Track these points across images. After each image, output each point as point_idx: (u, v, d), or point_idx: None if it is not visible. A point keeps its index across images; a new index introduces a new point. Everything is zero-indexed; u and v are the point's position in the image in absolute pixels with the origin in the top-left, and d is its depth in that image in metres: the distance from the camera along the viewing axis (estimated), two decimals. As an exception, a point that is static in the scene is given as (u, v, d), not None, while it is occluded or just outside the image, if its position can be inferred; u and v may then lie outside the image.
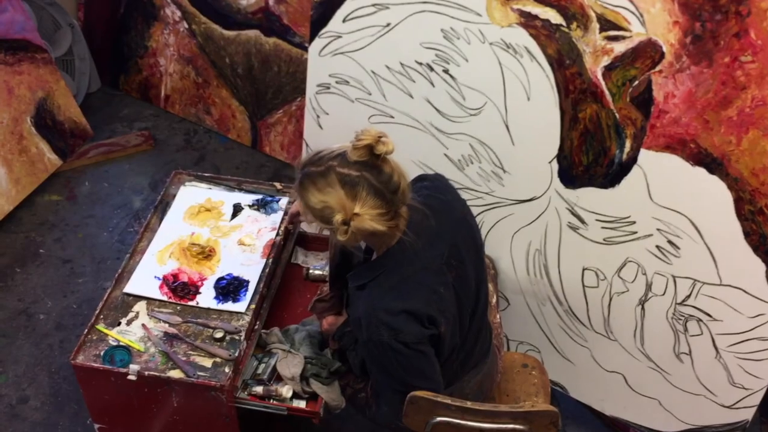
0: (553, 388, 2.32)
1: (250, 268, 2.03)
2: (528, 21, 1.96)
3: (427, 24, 2.10)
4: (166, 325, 1.89)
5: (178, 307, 1.94)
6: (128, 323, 1.89)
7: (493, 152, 2.16)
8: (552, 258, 2.18)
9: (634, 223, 2.00)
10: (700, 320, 2.00)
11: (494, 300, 2.17)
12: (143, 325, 1.89)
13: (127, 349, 1.83)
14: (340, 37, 2.28)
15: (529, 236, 2.20)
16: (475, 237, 1.72)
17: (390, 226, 1.53)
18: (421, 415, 1.62)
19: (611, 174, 1.98)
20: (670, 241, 1.96)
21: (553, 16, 1.92)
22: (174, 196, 2.24)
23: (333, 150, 1.54)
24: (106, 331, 1.87)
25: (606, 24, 1.85)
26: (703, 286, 1.96)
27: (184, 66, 3.41)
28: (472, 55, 2.07)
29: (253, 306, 1.93)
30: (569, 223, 2.11)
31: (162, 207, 2.21)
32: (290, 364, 1.91)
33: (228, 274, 2.01)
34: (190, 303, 1.94)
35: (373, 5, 2.17)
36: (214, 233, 2.13)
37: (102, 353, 1.82)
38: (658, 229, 1.97)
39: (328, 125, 2.45)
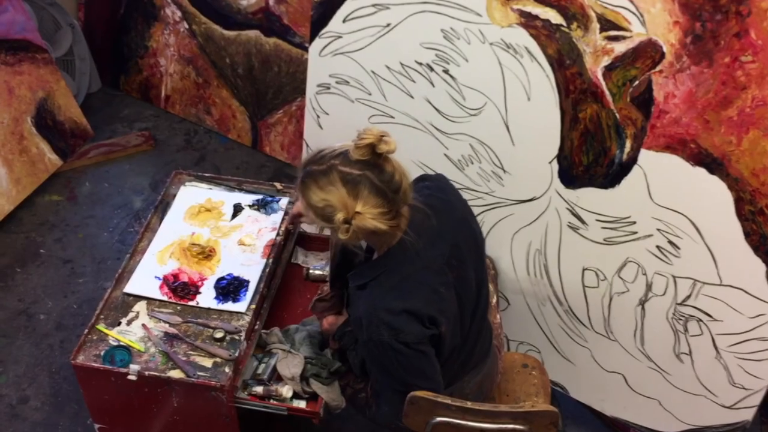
0: (553, 388, 2.32)
1: (251, 268, 2.03)
2: (528, 21, 1.96)
3: (427, 24, 2.10)
4: (167, 325, 1.89)
5: (179, 307, 1.94)
6: (128, 323, 1.89)
7: (493, 152, 2.16)
8: (552, 258, 2.18)
9: (634, 223, 2.00)
10: (701, 320, 2.00)
11: (494, 300, 2.17)
12: (143, 325, 1.89)
13: (127, 349, 1.83)
14: (340, 37, 2.28)
15: (529, 236, 2.20)
16: (476, 237, 1.72)
17: (391, 225, 1.53)
18: (422, 415, 1.62)
19: (611, 174, 1.98)
20: (670, 242, 1.96)
21: (554, 16, 1.92)
22: (174, 196, 2.24)
23: (335, 149, 1.55)
24: (106, 331, 1.87)
25: (606, 24, 1.85)
26: (703, 287, 1.96)
27: (184, 66, 3.41)
28: (473, 55, 2.07)
29: (253, 306, 1.93)
30: (569, 223, 2.11)
31: (162, 207, 2.21)
32: (290, 364, 1.91)
33: (228, 274, 2.01)
34: (191, 303, 1.94)
35: (373, 5, 2.17)
36: (214, 233, 2.14)
37: (102, 353, 1.82)
38: (658, 230, 1.97)
39: (328, 125, 2.45)
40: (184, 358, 1.81)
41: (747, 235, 1.84)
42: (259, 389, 1.85)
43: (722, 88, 1.75)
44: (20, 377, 2.49)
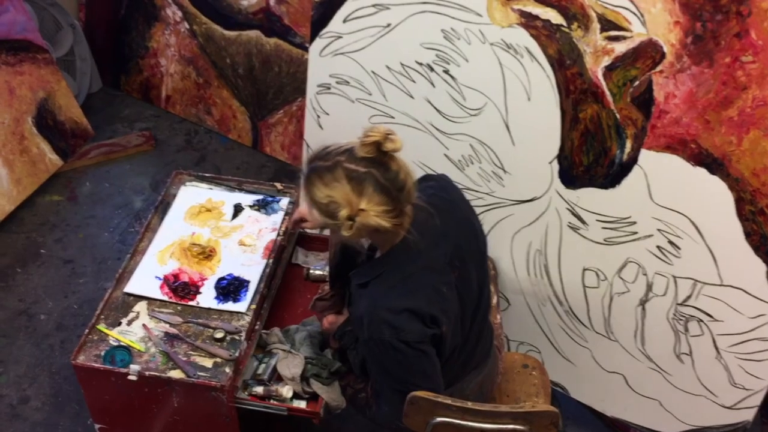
0: (554, 388, 2.32)
1: (251, 268, 2.03)
2: (528, 21, 1.96)
3: (428, 24, 2.10)
4: (167, 325, 1.89)
5: (179, 307, 1.94)
6: (129, 323, 1.90)
7: (494, 152, 2.16)
8: (552, 258, 2.18)
9: (634, 223, 2.00)
10: (701, 321, 2.00)
11: (495, 300, 2.17)
12: (144, 325, 1.89)
13: (127, 349, 1.83)
14: (340, 37, 2.28)
15: (529, 236, 2.20)
16: (478, 238, 1.72)
17: (395, 223, 1.53)
18: (422, 415, 1.62)
19: (612, 174, 1.98)
20: (670, 242, 1.96)
21: (554, 17, 1.92)
22: (175, 196, 2.24)
23: (341, 145, 1.54)
24: (106, 331, 1.87)
25: (607, 24, 1.85)
26: (703, 287, 1.96)
27: (185, 66, 3.41)
28: (473, 55, 2.07)
29: (253, 306, 1.94)
30: (570, 223, 2.10)
31: (163, 207, 2.21)
32: (291, 365, 1.91)
33: (228, 275, 2.02)
34: (191, 303, 1.94)
35: (374, 6, 2.17)
36: (214, 233, 2.14)
37: (103, 353, 1.82)
38: (658, 230, 1.97)
39: (329, 125, 2.45)
40: (184, 358, 1.81)
41: (747, 235, 1.84)
42: (259, 389, 1.85)
43: (723, 89, 1.75)
44: (21, 377, 2.49)
